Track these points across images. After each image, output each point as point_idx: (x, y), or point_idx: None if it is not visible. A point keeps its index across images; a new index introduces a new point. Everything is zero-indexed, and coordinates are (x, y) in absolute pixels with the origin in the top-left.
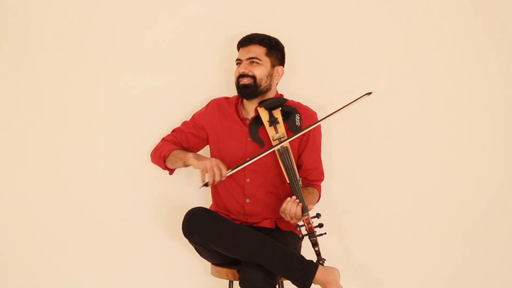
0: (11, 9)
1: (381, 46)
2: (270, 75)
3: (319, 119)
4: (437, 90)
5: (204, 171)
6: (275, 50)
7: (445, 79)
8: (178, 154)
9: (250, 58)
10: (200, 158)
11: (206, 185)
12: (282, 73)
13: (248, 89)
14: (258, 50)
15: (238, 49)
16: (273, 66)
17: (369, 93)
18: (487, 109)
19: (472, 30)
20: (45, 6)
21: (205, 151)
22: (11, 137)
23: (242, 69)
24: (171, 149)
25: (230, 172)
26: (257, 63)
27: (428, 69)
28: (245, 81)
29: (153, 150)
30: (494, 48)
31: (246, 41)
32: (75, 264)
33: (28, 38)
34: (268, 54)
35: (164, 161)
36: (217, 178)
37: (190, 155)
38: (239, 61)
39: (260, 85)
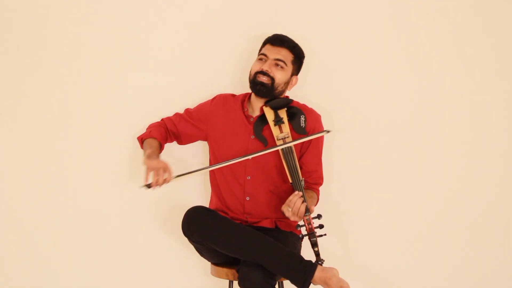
0: (12, 7)
1: (378, 46)
2: (287, 83)
3: (322, 122)
4: (437, 92)
5: (148, 170)
6: (298, 60)
7: (445, 78)
8: (147, 143)
9: (277, 60)
10: (151, 157)
11: (149, 186)
12: (295, 83)
13: (264, 87)
14: (287, 55)
15: (265, 44)
16: (292, 74)
17: (328, 131)
18: (488, 109)
19: (472, 30)
20: (48, 4)
21: (203, 149)
22: (11, 136)
23: (266, 67)
24: (150, 136)
25: (175, 179)
26: (282, 67)
27: (430, 72)
28: (264, 79)
29: (150, 125)
30: (494, 48)
31: (278, 41)
32: (75, 264)
33: (29, 36)
34: (293, 62)
35: (142, 142)
36: (160, 181)
37: (148, 152)
38: (264, 57)
39: (276, 89)
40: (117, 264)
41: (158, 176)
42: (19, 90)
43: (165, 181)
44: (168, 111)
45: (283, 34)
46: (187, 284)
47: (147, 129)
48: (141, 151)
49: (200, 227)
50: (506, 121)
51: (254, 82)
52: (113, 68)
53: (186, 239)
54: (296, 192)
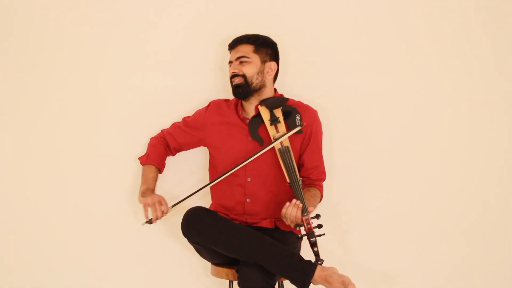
0: (12, 8)
1: (381, 47)
2: (261, 72)
3: (320, 118)
4: (437, 91)
5: (146, 207)
6: (263, 46)
7: (445, 80)
8: (143, 174)
9: (238, 58)
10: (146, 194)
11: (150, 222)
12: (275, 68)
13: (240, 88)
14: (245, 49)
15: (230, 53)
16: (263, 62)
17: (302, 126)
18: (487, 109)
19: (472, 30)
20: (47, 6)
21: (204, 151)
22: (11, 136)
23: (232, 69)
24: (148, 162)
25: (172, 209)
26: (246, 61)
27: (430, 71)
28: (236, 81)
29: (151, 141)
30: (494, 48)
31: (234, 43)
32: (75, 264)
33: (29, 36)
34: (256, 51)
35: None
36: (159, 214)
37: (142, 188)
38: (230, 63)
39: (252, 83)
40: (117, 264)
41: (156, 211)
42: (19, 90)
43: (163, 213)
44: (167, 111)
45: (285, 35)
46: (187, 284)
47: (148, 145)
48: (142, 151)
49: (200, 228)
50: (506, 121)
51: (232, 88)
52: (113, 68)
53: (186, 239)
54: (287, 204)
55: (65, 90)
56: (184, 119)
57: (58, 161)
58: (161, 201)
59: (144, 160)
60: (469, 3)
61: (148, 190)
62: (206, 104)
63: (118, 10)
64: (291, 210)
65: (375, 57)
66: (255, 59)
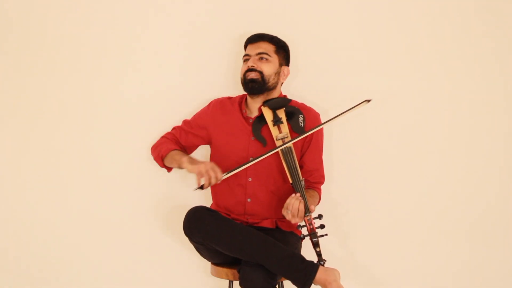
0: (12, 8)
1: (382, 48)
2: (278, 74)
3: (322, 121)
4: (438, 92)
5: (199, 175)
6: (283, 50)
7: (446, 81)
8: (175, 155)
9: (259, 54)
10: (194, 162)
11: (201, 187)
12: (288, 74)
13: (255, 83)
14: (267, 47)
15: (246, 46)
16: (280, 65)
17: (368, 100)
18: (487, 109)
19: (472, 30)
20: (48, 4)
21: (204, 152)
22: (12, 137)
23: (251, 63)
24: (169, 149)
25: (226, 176)
26: (266, 59)
27: (429, 71)
28: (252, 75)
29: (153, 146)
30: (495, 49)
31: (255, 38)
32: (75, 264)
33: (29, 36)
34: (276, 52)
35: (162, 160)
36: (213, 181)
37: (184, 159)
38: (247, 57)
39: (268, 82)
40: (118, 264)
41: (210, 178)
42: (19, 90)
43: (217, 179)
44: (168, 111)
45: (285, 35)
46: (187, 284)
47: (157, 149)
48: (144, 151)
49: (202, 227)
50: (506, 121)
51: (245, 82)
52: (113, 68)
53: (186, 239)
54: (293, 195)
55: (65, 90)
56: (185, 120)
57: (58, 161)
58: (213, 167)
59: (165, 151)
60: (469, 3)
61: (192, 159)
62: (206, 104)
63: (118, 10)
64: (293, 202)
65: (375, 58)
66: (275, 59)
